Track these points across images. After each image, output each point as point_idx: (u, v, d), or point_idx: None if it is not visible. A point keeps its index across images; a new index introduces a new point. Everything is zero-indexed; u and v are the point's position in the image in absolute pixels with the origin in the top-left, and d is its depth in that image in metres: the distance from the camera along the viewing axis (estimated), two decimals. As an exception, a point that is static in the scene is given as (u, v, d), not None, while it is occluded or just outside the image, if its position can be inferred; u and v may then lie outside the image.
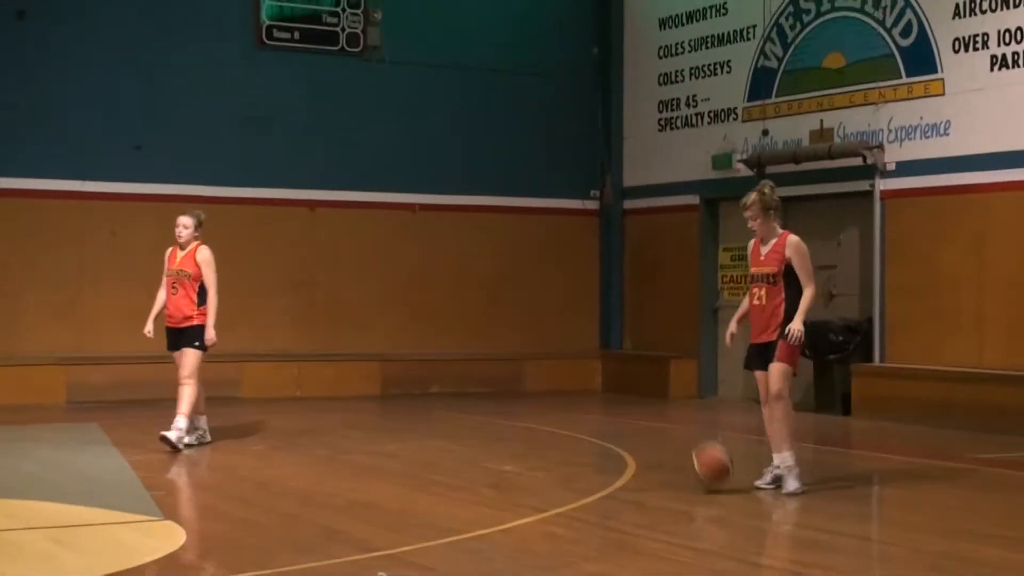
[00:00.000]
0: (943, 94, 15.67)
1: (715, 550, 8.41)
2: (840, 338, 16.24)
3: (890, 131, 16.24)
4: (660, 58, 19.70)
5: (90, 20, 17.73)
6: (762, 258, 10.17)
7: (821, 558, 7.87)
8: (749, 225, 10.25)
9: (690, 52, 19.20)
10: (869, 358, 16.24)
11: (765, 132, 17.88)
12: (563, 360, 19.73)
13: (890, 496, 10.76)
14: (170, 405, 12.53)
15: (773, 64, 17.83)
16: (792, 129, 17.49)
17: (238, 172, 18.49)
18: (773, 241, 10.12)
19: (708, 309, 18.83)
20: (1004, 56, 15.03)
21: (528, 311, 19.87)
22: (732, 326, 10.60)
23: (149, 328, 12.65)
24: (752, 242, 10.28)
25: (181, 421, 12.26)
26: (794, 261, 10.00)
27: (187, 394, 12.37)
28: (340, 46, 19.18)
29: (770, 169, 17.62)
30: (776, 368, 10.01)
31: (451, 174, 19.70)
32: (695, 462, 10.00)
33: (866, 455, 13.26)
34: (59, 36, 17.56)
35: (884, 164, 16.24)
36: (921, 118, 15.89)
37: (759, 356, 10.18)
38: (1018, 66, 14.90)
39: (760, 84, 18.05)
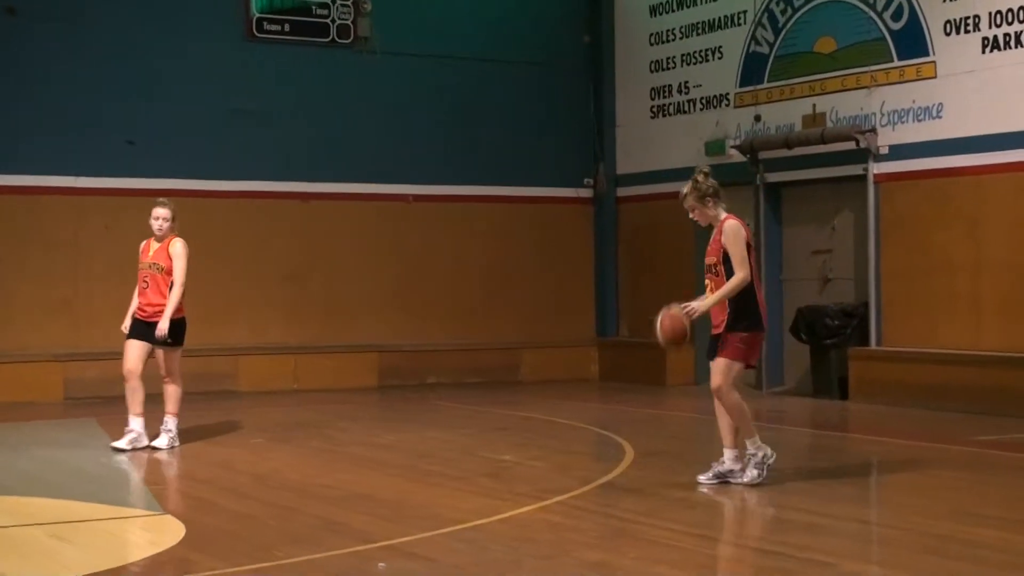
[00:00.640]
0: (935, 77, 15.67)
1: (715, 536, 8.43)
2: (836, 322, 16.26)
3: (883, 115, 16.23)
4: (651, 45, 19.69)
5: (80, 15, 17.68)
6: (708, 248, 9.88)
7: (821, 541, 7.88)
8: (690, 217, 10.03)
9: (681, 39, 19.19)
10: (866, 342, 16.24)
11: (757, 118, 17.87)
12: (559, 349, 19.73)
13: (889, 479, 10.77)
14: (161, 400, 12.45)
15: (764, 49, 17.82)
16: (785, 114, 17.48)
17: (231, 165, 18.46)
18: (716, 230, 9.79)
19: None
20: (995, 38, 15.02)
21: (524, 300, 19.88)
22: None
23: (126, 325, 12.19)
24: None
25: (171, 422, 12.11)
26: (727, 246, 9.61)
27: (173, 392, 12.16)
28: (331, 38, 19.16)
29: (763, 155, 17.66)
30: (716, 364, 9.66)
31: (444, 164, 19.69)
32: (658, 327, 9.88)
33: (864, 439, 13.27)
34: (49, 31, 17.51)
35: (877, 148, 16.23)
36: (913, 101, 15.88)
37: (711, 347, 9.83)
38: (1010, 47, 14.90)
39: (752, 70, 18.04)
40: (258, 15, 18.71)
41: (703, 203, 9.80)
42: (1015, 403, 13.97)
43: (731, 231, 9.62)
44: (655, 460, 11.25)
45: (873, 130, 16.25)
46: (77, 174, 17.57)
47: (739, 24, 18.24)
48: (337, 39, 19.19)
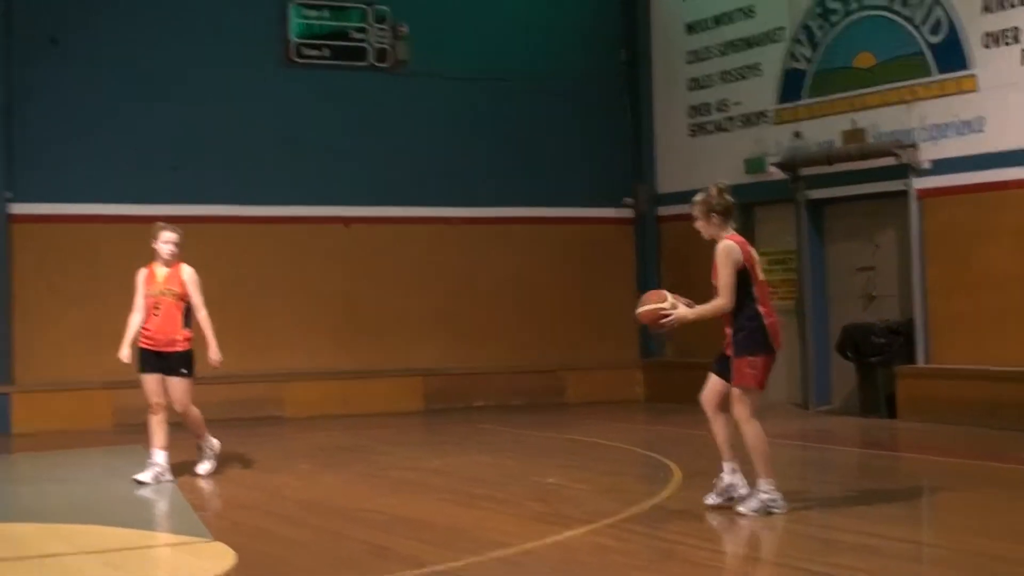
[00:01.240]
0: (976, 90, 15.60)
1: (764, 557, 8.41)
2: (882, 340, 16.15)
3: (923, 129, 16.17)
4: (689, 63, 19.68)
5: (121, 44, 17.85)
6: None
7: (871, 563, 7.84)
8: (695, 225, 9.83)
9: (719, 56, 19.17)
10: (912, 359, 16.12)
11: (797, 134, 17.83)
12: (604, 370, 19.69)
13: (940, 499, 10.71)
14: (214, 426, 12.50)
15: (803, 65, 17.79)
16: (824, 130, 17.43)
17: (273, 190, 18.57)
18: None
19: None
20: (1036, 50, 14.97)
21: (568, 322, 19.86)
22: None
23: (125, 353, 11.75)
24: None
25: (209, 444, 12.05)
26: (717, 267, 9.46)
27: (195, 419, 11.88)
28: (369, 61, 19.27)
29: (804, 171, 17.61)
30: (732, 393, 9.51)
31: (485, 186, 19.73)
32: (639, 308, 9.71)
33: (914, 458, 13.21)
34: (91, 60, 17.69)
35: (919, 163, 16.17)
36: (955, 115, 15.82)
37: (720, 363, 9.68)
38: (1051, 60, 14.85)
39: (790, 86, 18.01)
40: (297, 40, 18.84)
41: (707, 217, 9.65)
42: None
43: (722, 252, 9.45)
44: (703, 481, 11.18)
45: (914, 145, 16.18)
46: (123, 201, 17.68)
47: (777, 41, 18.22)
48: (375, 63, 19.29)
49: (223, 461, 12.44)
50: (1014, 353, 15.02)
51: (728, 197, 9.65)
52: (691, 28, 19.66)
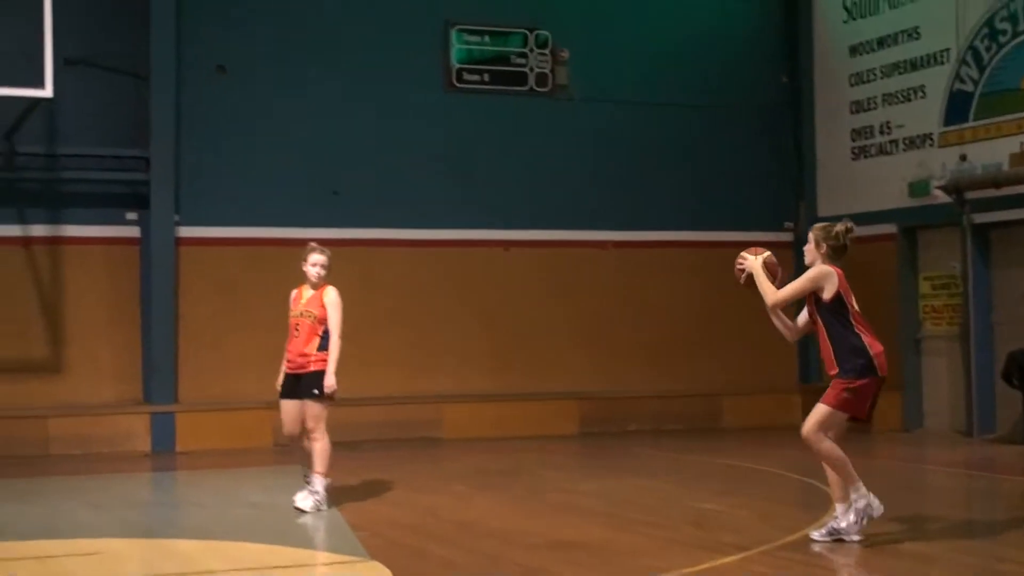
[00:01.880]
0: None
1: (926, 588, 8.23)
2: (1048, 368, 15.76)
3: (1095, 152, 15.77)
4: (852, 86, 19.43)
5: (286, 70, 18.20)
6: None
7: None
8: (805, 248, 9.75)
9: (882, 78, 18.90)
10: (1081, 387, 15.71)
11: (963, 157, 17.49)
12: (761, 395, 19.47)
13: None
14: (368, 447, 12.63)
15: (969, 87, 17.45)
16: (991, 153, 17.07)
17: (433, 214, 18.75)
18: None
19: (910, 340, 18.44)
20: None
21: (724, 346, 19.71)
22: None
23: (280, 381, 11.61)
24: None
25: (318, 483, 11.34)
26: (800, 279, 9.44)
27: (319, 450, 11.32)
28: (529, 86, 19.36)
29: (970, 195, 17.26)
30: (815, 408, 9.47)
31: (643, 210, 19.69)
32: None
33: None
34: (256, 87, 18.07)
35: (1089, 186, 15.78)
36: None
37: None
38: None
39: (956, 108, 17.68)
40: (458, 65, 19.02)
41: (819, 246, 9.58)
42: None
43: (816, 269, 9.50)
44: (862, 509, 11.01)
45: (1085, 168, 15.79)
46: (285, 225, 17.99)
47: (942, 63, 17.90)
48: (535, 87, 19.38)
49: (380, 481, 12.57)
50: None
51: (846, 240, 9.59)
52: (854, 50, 19.41)
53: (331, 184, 18.33)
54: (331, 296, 11.50)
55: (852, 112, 19.44)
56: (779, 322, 9.71)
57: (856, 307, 9.44)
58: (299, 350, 11.41)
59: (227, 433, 16.80)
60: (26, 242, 17.26)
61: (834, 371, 9.38)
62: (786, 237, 20.20)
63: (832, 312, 9.37)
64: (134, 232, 17.61)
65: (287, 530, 10.54)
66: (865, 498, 9.30)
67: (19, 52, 14.24)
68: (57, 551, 9.61)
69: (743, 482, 13.31)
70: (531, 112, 19.34)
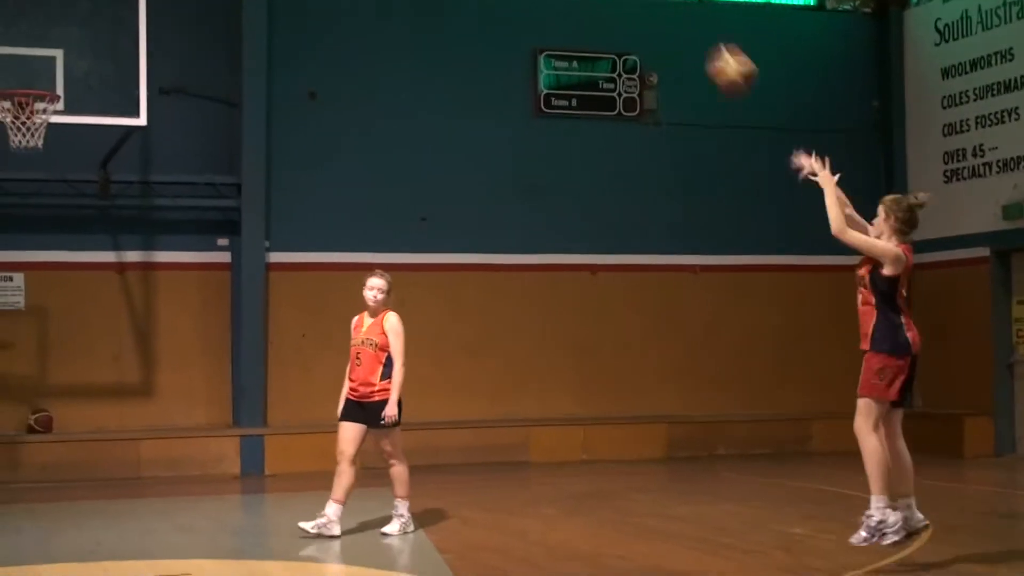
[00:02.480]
0: None
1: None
2: None
3: None
4: (944, 108, 19.26)
5: (376, 97, 18.36)
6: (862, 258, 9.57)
7: None
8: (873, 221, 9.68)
9: (975, 100, 18.71)
10: None
11: (1058, 180, 17.28)
12: (851, 419, 19.13)
13: None
14: (456, 471, 12.60)
15: (1064, 109, 17.25)
16: (1087, 176, 16.85)
17: (520, 239, 18.80)
18: None
19: (1002, 364, 18.20)
20: None
21: (813, 370, 19.55)
22: None
23: (341, 408, 11.51)
24: None
25: (401, 507, 11.50)
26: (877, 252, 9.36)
27: (398, 475, 11.45)
28: (617, 111, 19.37)
29: (1065, 218, 17.05)
30: (857, 405, 9.43)
31: (731, 234, 19.62)
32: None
33: None
34: (346, 113, 18.23)
35: None
36: None
37: None
38: None
39: (1051, 130, 17.48)
40: (546, 91, 19.07)
41: (888, 216, 9.56)
42: None
43: (893, 248, 9.35)
44: (954, 536, 10.87)
45: None
46: (373, 250, 18.11)
47: (1036, 84, 17.73)
48: (623, 112, 19.38)
49: (467, 504, 12.61)
50: None
51: (916, 213, 9.50)
52: (946, 73, 19.24)
53: (419, 210, 18.44)
54: (391, 322, 11.36)
55: (944, 135, 19.26)
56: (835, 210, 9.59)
57: (906, 293, 9.37)
58: (363, 379, 11.25)
59: (315, 456, 16.86)
60: (120, 268, 17.52)
61: (866, 346, 9.38)
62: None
63: (884, 288, 9.29)
64: (225, 258, 17.81)
65: (375, 552, 10.58)
66: (883, 513, 9.15)
67: (114, 81, 14.45)
68: (148, 572, 9.72)
69: (832, 506, 13.17)
70: (619, 137, 19.35)
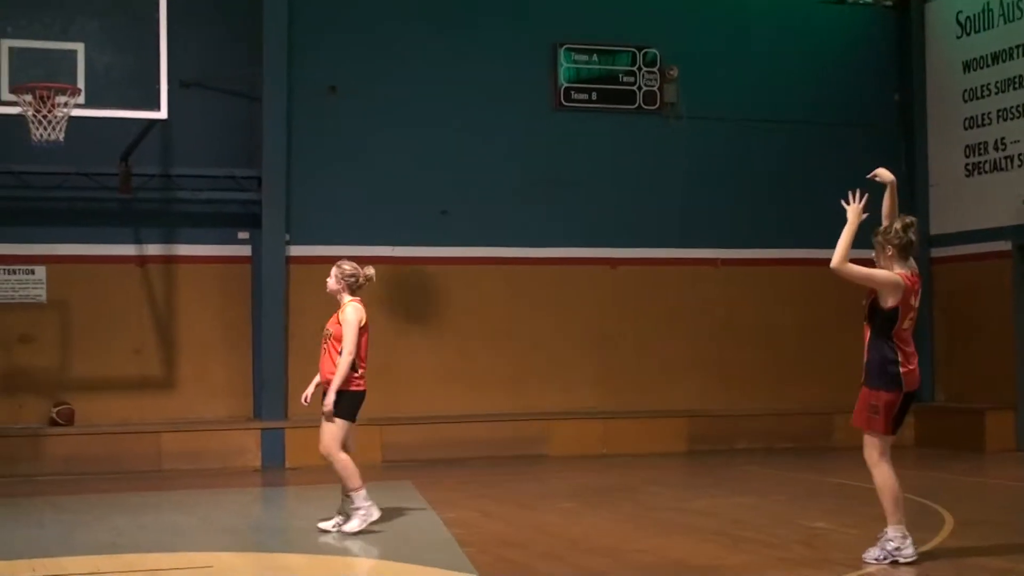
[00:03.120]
0: None
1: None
2: None
3: None
4: (965, 101, 19.19)
5: (396, 91, 18.35)
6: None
7: None
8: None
9: (997, 94, 18.65)
10: None
11: (1081, 173, 17.20)
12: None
13: None
14: (476, 464, 12.61)
15: (1087, 102, 17.17)
16: (1111, 169, 16.78)
17: (540, 232, 18.80)
18: None
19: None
20: None
21: (835, 364, 19.46)
22: None
23: (307, 394, 11.33)
24: None
25: (357, 499, 10.98)
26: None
27: (339, 469, 10.97)
28: (637, 104, 19.35)
29: (1087, 211, 16.98)
30: (864, 437, 9.23)
31: (752, 228, 19.59)
32: None
33: None
34: (366, 107, 18.23)
35: None
36: None
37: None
38: None
39: (1073, 123, 17.41)
40: (566, 84, 19.04)
41: (882, 248, 9.42)
42: None
43: (891, 276, 9.24)
44: (975, 530, 10.84)
45: None
46: (393, 244, 18.13)
47: (1058, 77, 17.65)
48: (643, 105, 19.36)
49: (488, 497, 12.59)
50: None
51: (910, 235, 9.38)
52: (967, 66, 19.18)
53: (440, 203, 18.44)
54: (345, 313, 11.08)
55: (966, 128, 19.19)
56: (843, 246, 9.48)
57: (906, 325, 9.17)
58: (322, 369, 11.10)
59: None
60: (141, 261, 17.56)
61: (862, 379, 9.26)
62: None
63: (881, 320, 9.17)
64: (246, 251, 17.84)
65: (396, 545, 10.59)
66: (898, 540, 9.13)
67: (135, 75, 14.48)
68: (170, 565, 9.75)
69: (854, 501, 13.13)
70: (639, 130, 19.32)
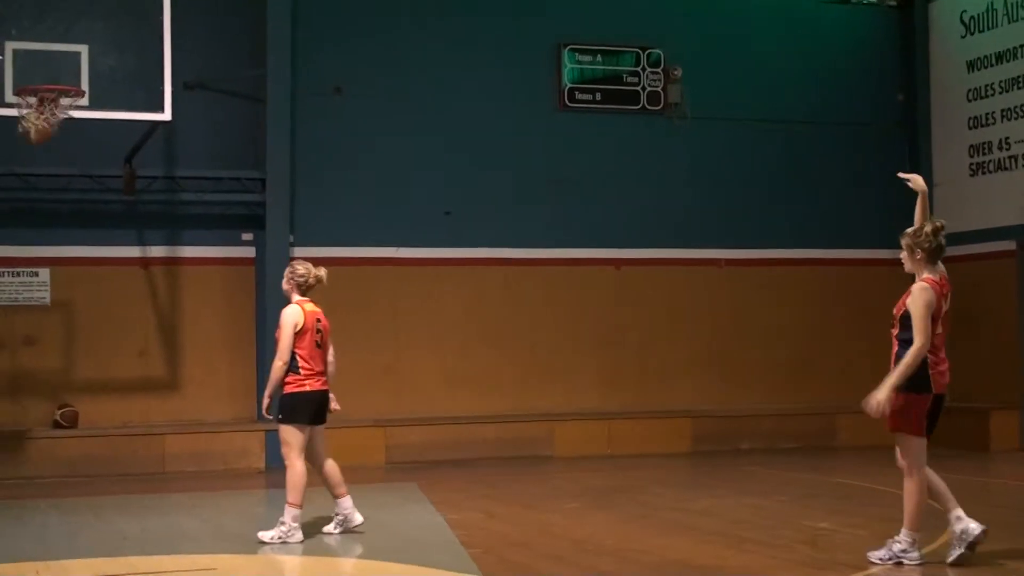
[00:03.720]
0: None
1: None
2: None
3: None
4: (969, 101, 19.17)
5: (400, 92, 18.35)
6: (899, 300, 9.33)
7: None
8: (900, 256, 9.50)
9: (1001, 93, 18.63)
10: None
11: (1085, 172, 17.18)
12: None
13: None
14: (480, 465, 12.62)
15: (1091, 101, 17.15)
16: (1114, 168, 16.76)
17: (544, 233, 18.80)
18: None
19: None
20: None
21: (839, 364, 19.50)
22: None
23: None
24: None
25: (286, 513, 10.64)
26: (909, 307, 9.10)
27: (286, 477, 10.74)
28: (641, 105, 19.34)
29: (1091, 211, 16.96)
30: (897, 440, 9.27)
31: (756, 228, 19.58)
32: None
33: None
34: (370, 108, 18.23)
35: None
36: None
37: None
38: None
39: (1077, 123, 17.39)
40: (570, 85, 19.04)
41: (912, 252, 9.35)
42: None
43: (917, 291, 9.18)
44: (981, 530, 10.81)
45: None
46: (397, 245, 18.14)
47: (1063, 76, 17.63)
48: (647, 106, 19.35)
49: (492, 498, 12.59)
50: None
51: (940, 239, 9.32)
52: (972, 65, 19.16)
53: (444, 204, 18.44)
54: (283, 314, 10.87)
55: (970, 128, 19.18)
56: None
57: (939, 330, 9.22)
58: None
59: (339, 450, 16.74)
60: (145, 263, 17.57)
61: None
62: (900, 254, 19.94)
63: (911, 325, 9.12)
64: (249, 252, 17.84)
65: (399, 547, 10.58)
66: (906, 546, 9.11)
67: (139, 77, 14.48)
68: (173, 566, 9.75)
69: (858, 501, 13.14)
70: (643, 131, 19.31)
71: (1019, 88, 18.33)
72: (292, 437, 10.72)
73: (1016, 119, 18.40)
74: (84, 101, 13.89)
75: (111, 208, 17.32)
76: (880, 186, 20.07)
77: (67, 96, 13.61)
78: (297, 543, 10.53)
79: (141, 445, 16.59)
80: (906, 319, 9.18)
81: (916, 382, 9.12)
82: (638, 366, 19.02)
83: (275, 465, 16.78)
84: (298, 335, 10.81)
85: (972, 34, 19.21)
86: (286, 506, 10.64)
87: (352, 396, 17.77)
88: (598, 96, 19.23)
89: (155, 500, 13.93)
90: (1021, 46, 18.32)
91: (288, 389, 10.72)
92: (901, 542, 9.14)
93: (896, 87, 20.31)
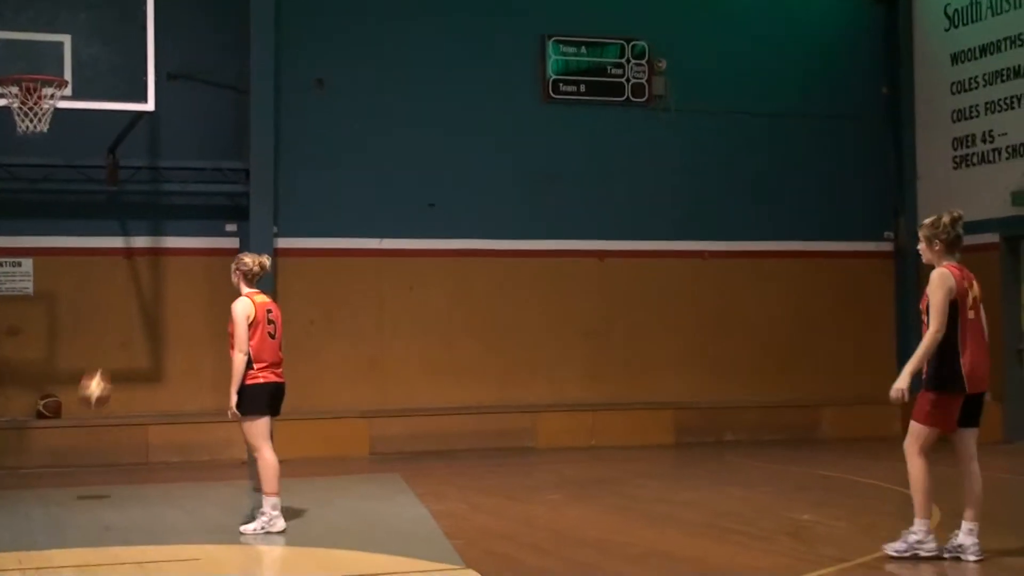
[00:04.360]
0: None
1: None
2: None
3: None
4: (953, 94, 19.20)
5: (384, 82, 18.32)
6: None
7: None
8: (918, 247, 9.35)
9: (985, 86, 18.65)
10: None
11: (1068, 166, 17.21)
12: (861, 406, 19.18)
13: None
14: (463, 457, 12.60)
15: (1074, 95, 17.18)
16: (1097, 161, 16.79)
17: (528, 225, 18.79)
18: None
19: (1012, 350, 18.16)
20: None
21: (823, 357, 19.54)
22: None
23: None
24: None
25: (265, 503, 10.73)
26: (929, 294, 8.94)
27: (258, 468, 10.81)
28: (625, 97, 19.33)
29: (1074, 204, 16.99)
30: (910, 424, 9.23)
31: (741, 220, 19.59)
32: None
33: None
34: (353, 99, 18.20)
35: None
36: None
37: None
38: None
39: (1061, 116, 17.42)
40: (554, 77, 19.02)
41: (930, 243, 9.17)
42: None
43: (935, 278, 8.97)
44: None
45: None
46: (381, 236, 18.13)
47: (1046, 69, 17.66)
48: (632, 98, 19.34)
49: (475, 490, 12.59)
50: None
51: (958, 229, 9.16)
52: (956, 58, 19.18)
53: (427, 196, 18.42)
54: (233, 307, 10.82)
55: (954, 120, 19.20)
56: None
57: (971, 315, 9.04)
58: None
59: (324, 442, 16.90)
60: (129, 253, 17.53)
61: (924, 376, 9.09)
62: (886, 247, 20.04)
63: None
64: (233, 243, 17.78)
65: (383, 538, 10.58)
66: (921, 535, 9.10)
67: (122, 67, 14.43)
68: (157, 557, 9.73)
69: (841, 493, 13.17)
70: (627, 122, 19.30)
71: (1003, 81, 18.37)
72: (255, 428, 10.73)
73: (1000, 112, 18.43)
74: (67, 91, 13.83)
75: (94, 198, 17.27)
76: (865, 178, 20.14)
77: (49, 86, 13.55)
78: (279, 531, 10.56)
79: (125, 436, 16.56)
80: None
81: (949, 380, 8.99)
82: (622, 358, 19.02)
83: (258, 456, 16.79)
84: (250, 327, 10.74)
85: (956, 27, 19.24)
86: (263, 496, 10.70)
87: (338, 387, 17.82)
88: (582, 88, 19.22)
89: (138, 491, 13.91)
90: (1005, 39, 18.34)
91: (251, 380, 10.69)
92: (916, 532, 9.10)
93: (880, 80, 20.31)
